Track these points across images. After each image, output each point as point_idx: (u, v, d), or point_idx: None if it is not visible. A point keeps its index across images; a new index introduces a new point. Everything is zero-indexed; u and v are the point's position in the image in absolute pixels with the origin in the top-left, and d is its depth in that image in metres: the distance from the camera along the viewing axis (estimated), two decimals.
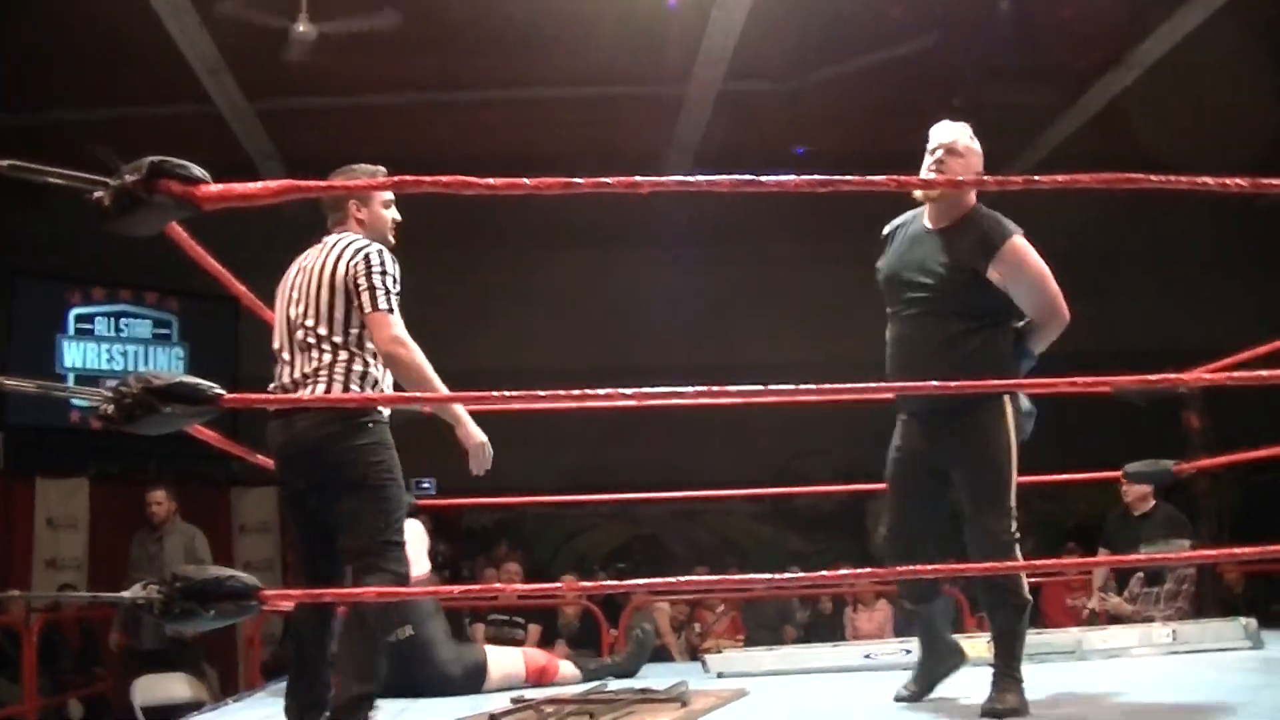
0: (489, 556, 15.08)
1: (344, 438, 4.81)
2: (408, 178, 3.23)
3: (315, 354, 4.91)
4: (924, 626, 5.47)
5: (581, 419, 8.80)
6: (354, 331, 4.92)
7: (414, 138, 13.39)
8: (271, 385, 5.07)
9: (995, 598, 4.95)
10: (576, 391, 3.53)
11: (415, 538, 6.64)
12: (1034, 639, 7.01)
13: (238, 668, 12.54)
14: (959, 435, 4.98)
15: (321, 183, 3.31)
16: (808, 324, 15.70)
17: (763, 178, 3.40)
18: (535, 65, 12.51)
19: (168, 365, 13.61)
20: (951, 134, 5.23)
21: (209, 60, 11.41)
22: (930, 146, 5.21)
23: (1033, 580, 9.83)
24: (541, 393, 3.57)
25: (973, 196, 5.13)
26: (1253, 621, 7.10)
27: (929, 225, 5.14)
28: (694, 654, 11.00)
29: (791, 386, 3.86)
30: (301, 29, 10.67)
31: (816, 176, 3.51)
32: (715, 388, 3.63)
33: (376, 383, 4.99)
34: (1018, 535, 4.91)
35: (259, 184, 3.32)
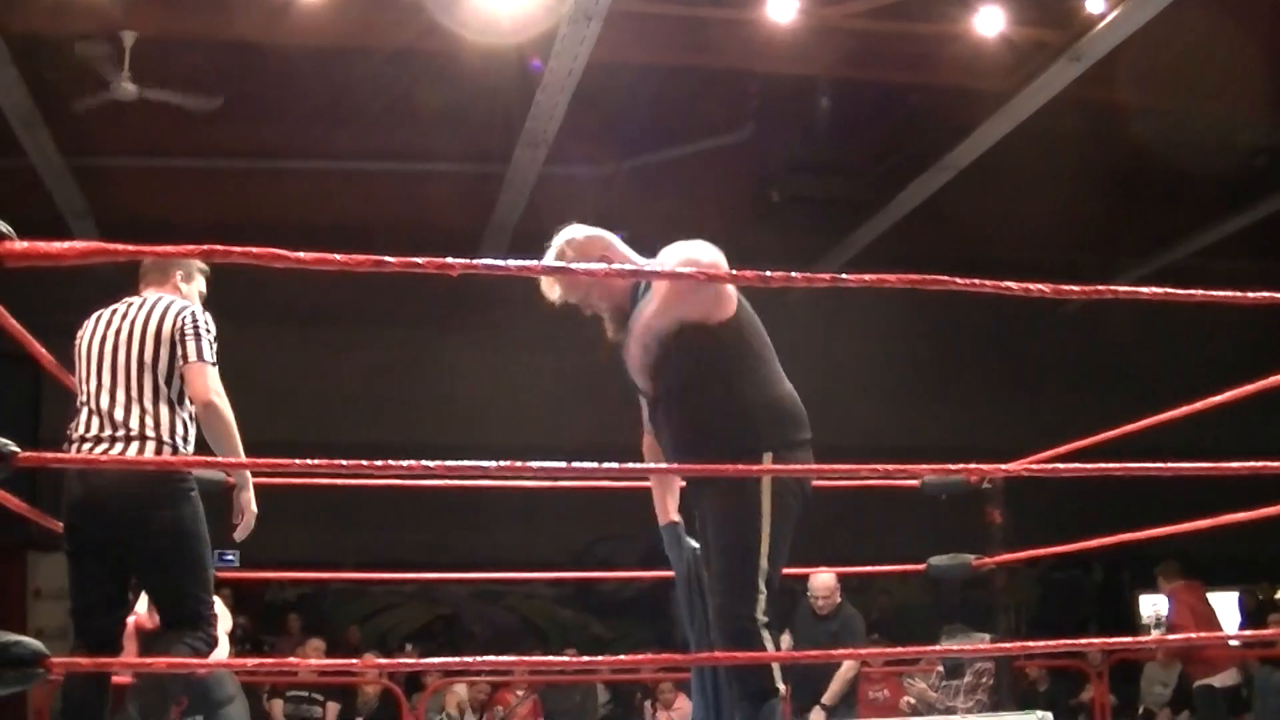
0: (289, 633, 14.86)
1: (157, 502, 4.72)
2: (217, 247, 3.18)
3: (135, 408, 4.84)
4: None
5: (385, 496, 8.74)
6: (176, 385, 4.90)
7: (230, 204, 13.27)
8: (75, 434, 4.93)
9: (736, 690, 4.37)
10: (380, 463, 3.50)
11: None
12: None
13: None
14: (709, 498, 4.48)
15: (130, 246, 3.26)
16: (621, 408, 15.73)
17: (574, 265, 3.42)
18: (356, 138, 12.49)
19: None
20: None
21: (24, 112, 11.19)
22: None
23: None
24: (345, 462, 3.53)
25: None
26: (1048, 715, 7.21)
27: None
28: None
29: (593, 465, 3.87)
30: (124, 85, 10.58)
31: (627, 266, 3.54)
32: (517, 464, 3.62)
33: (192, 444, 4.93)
34: (764, 620, 4.29)
35: (66, 244, 3.26)
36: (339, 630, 15.61)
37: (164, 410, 4.87)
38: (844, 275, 3.75)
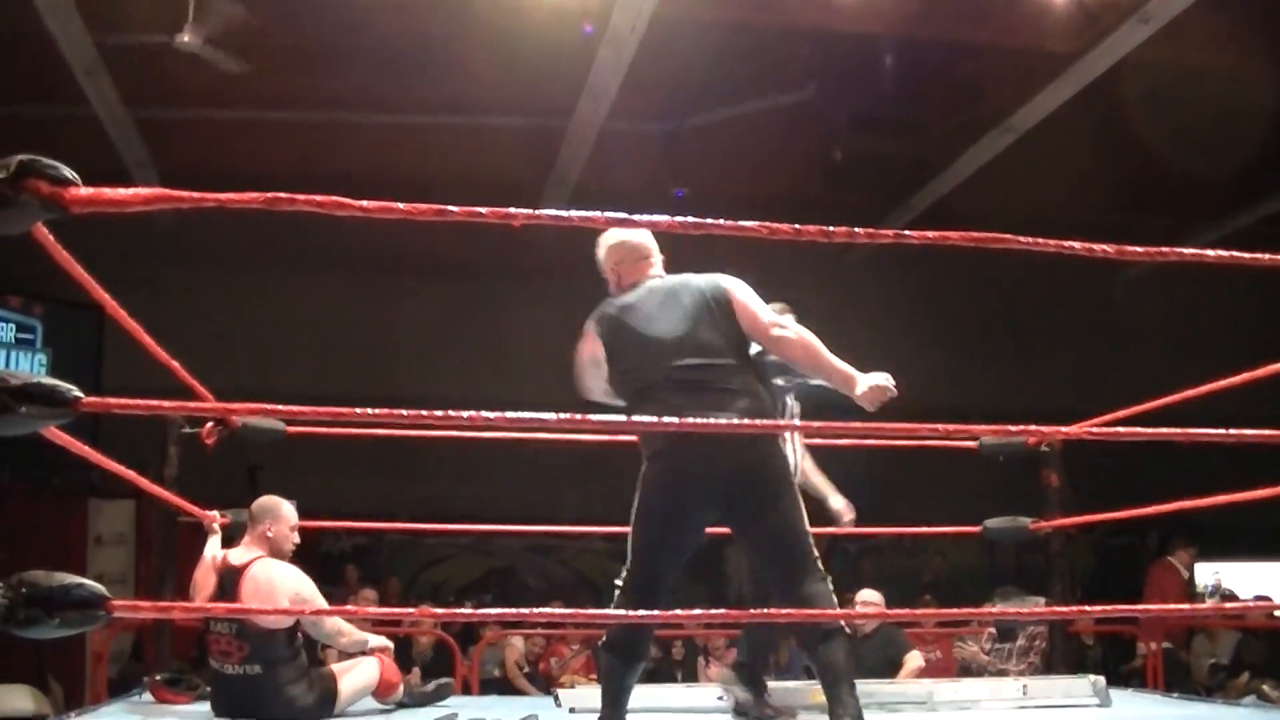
0: (344, 583, 14.93)
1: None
2: (282, 195, 3.19)
3: None
4: None
5: (442, 448, 8.76)
6: None
7: (293, 157, 13.30)
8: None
9: None
10: (439, 413, 3.51)
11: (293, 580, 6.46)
12: (886, 688, 7.10)
13: (84, 683, 12.33)
14: None
15: (194, 194, 3.27)
16: None
17: (636, 216, 3.41)
18: (419, 90, 12.49)
19: (30, 371, 13.35)
20: None
21: (87, 62, 11.23)
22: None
23: None
24: (405, 412, 3.55)
25: None
26: (1100, 679, 7.21)
27: None
28: (548, 688, 10.97)
29: (653, 419, 3.87)
30: (186, 39, 10.60)
31: (690, 219, 3.53)
32: (577, 415, 3.63)
33: None
34: (618, 584, 5.08)
35: (130, 190, 3.28)
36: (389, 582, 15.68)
37: None
38: (907, 231, 3.73)
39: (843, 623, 4.93)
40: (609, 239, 5.44)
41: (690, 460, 4.86)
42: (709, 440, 4.80)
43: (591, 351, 5.25)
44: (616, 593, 5.03)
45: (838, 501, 6.71)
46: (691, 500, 4.96)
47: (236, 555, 6.28)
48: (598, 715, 5.08)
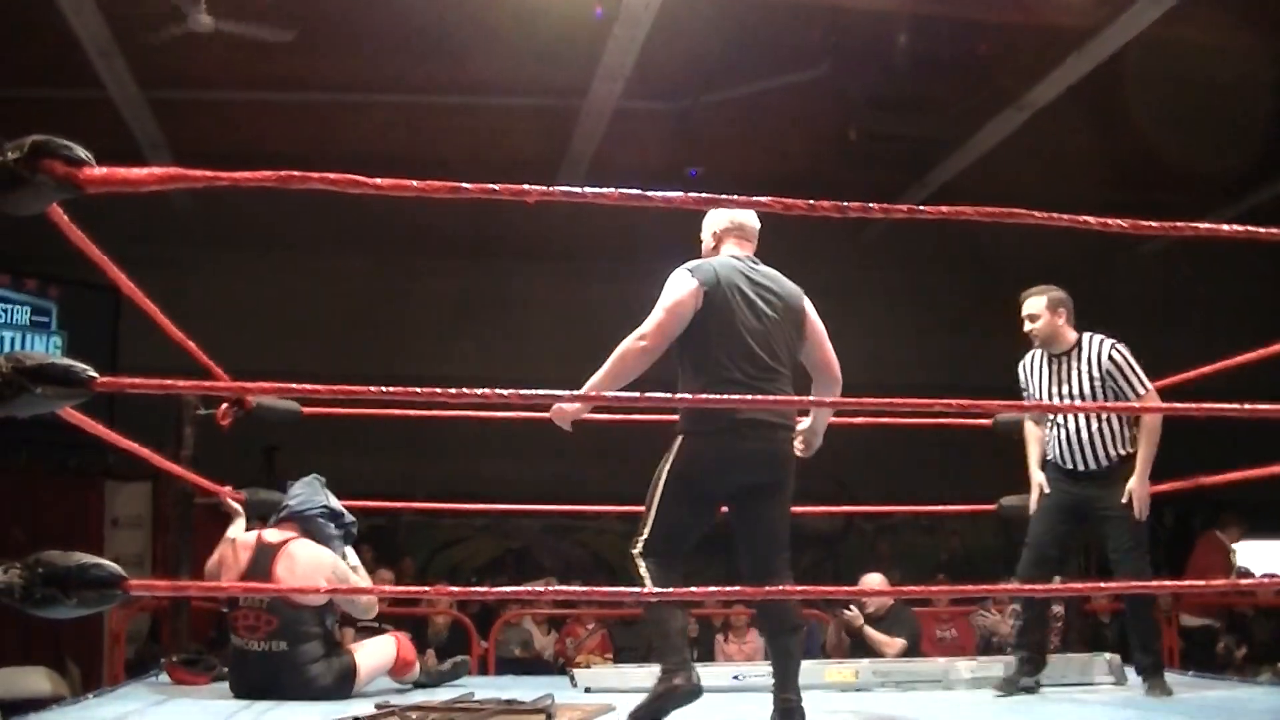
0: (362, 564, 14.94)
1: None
2: (295, 173, 3.19)
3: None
4: None
5: (455, 429, 8.75)
6: None
7: (306, 137, 13.31)
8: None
9: None
10: (454, 390, 3.51)
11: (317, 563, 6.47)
12: (903, 667, 7.10)
13: (102, 664, 12.36)
14: None
15: (208, 173, 3.27)
16: None
17: (650, 193, 3.41)
18: (433, 71, 12.48)
19: (46, 353, 13.29)
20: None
21: (101, 44, 11.23)
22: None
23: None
24: (419, 390, 3.55)
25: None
26: (1116, 657, 7.22)
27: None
28: (562, 668, 10.98)
29: (667, 395, 3.87)
30: (201, 17, 10.59)
31: (705, 195, 3.53)
32: (591, 393, 3.63)
33: None
34: (636, 551, 5.12)
35: (145, 170, 3.28)
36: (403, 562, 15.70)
37: None
38: (922, 206, 3.72)
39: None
40: (729, 212, 5.37)
41: (740, 445, 4.96)
42: (760, 431, 4.95)
43: (693, 305, 5.06)
44: (638, 559, 5.10)
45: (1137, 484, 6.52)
46: (729, 479, 5.04)
47: (271, 534, 6.31)
48: (662, 669, 4.99)
